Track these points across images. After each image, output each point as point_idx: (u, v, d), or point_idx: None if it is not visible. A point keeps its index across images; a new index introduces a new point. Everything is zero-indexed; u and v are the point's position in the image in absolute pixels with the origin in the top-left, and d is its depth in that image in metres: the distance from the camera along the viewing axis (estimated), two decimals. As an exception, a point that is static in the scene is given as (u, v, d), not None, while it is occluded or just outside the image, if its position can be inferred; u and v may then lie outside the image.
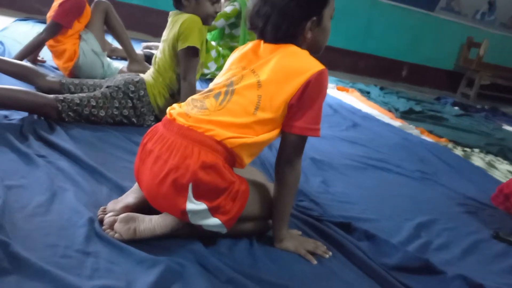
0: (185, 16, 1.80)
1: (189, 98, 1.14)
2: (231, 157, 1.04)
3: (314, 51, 1.13)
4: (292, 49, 1.09)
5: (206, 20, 1.84)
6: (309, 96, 1.04)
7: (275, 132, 1.08)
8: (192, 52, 1.79)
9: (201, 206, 1.01)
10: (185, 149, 1.00)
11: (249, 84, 1.06)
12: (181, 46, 1.78)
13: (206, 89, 1.13)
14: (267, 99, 1.04)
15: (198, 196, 1.00)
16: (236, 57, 1.17)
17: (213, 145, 1.01)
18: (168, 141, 1.03)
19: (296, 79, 1.04)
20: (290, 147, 1.09)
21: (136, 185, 1.17)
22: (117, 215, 1.06)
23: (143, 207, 1.12)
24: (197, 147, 1.00)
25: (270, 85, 1.05)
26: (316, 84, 1.04)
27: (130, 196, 1.15)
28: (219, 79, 1.14)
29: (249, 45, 1.16)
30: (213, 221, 1.03)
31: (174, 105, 1.15)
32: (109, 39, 2.73)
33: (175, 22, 1.82)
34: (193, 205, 1.00)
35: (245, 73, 1.09)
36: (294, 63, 1.07)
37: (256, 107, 1.04)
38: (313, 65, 1.06)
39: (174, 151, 1.01)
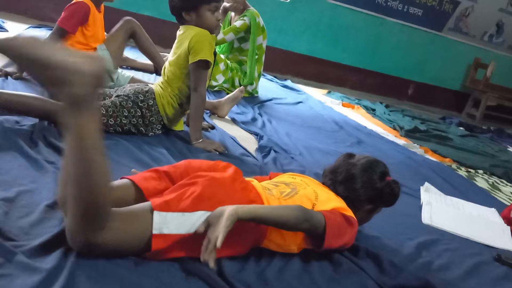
0: (194, 30, 1.84)
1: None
2: None
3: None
4: None
5: (211, 30, 1.88)
6: None
7: None
8: (203, 65, 1.84)
9: None
10: None
11: None
12: (192, 59, 1.82)
13: None
14: None
15: None
16: None
17: None
18: None
19: None
20: None
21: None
22: None
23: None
24: None
25: None
26: None
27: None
28: None
29: None
30: None
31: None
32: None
33: (184, 35, 1.86)
34: None
35: None
36: None
37: None
38: None
39: None
